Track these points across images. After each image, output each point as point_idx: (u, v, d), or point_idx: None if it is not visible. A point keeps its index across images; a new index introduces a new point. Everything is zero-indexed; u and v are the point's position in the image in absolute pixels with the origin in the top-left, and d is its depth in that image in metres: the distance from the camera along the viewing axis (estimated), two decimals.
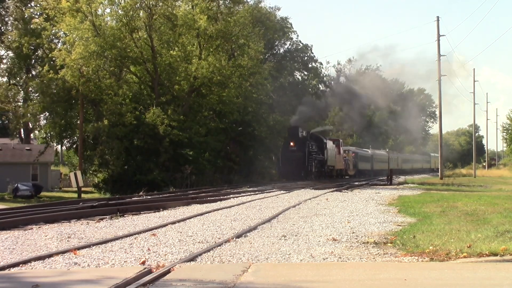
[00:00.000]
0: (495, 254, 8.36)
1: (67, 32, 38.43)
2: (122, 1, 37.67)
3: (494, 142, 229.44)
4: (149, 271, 7.49)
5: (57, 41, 45.16)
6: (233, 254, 8.95)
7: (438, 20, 51.52)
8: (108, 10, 39.55)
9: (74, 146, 42.38)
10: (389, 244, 9.90)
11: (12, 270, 8.08)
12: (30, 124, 50.04)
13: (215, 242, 10.23)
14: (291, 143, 45.78)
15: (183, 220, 14.33)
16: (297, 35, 61.05)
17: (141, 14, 38.65)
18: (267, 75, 45.81)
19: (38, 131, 50.97)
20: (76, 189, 36.62)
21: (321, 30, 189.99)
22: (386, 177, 48.47)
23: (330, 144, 52.33)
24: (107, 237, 11.34)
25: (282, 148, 46.67)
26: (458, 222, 12.59)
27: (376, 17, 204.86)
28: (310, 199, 21.45)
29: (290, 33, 60.15)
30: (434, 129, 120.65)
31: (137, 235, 11.41)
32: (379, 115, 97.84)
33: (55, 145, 47.51)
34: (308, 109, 53.17)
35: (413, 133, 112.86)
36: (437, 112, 56.34)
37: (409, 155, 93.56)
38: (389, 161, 76.31)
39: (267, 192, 26.87)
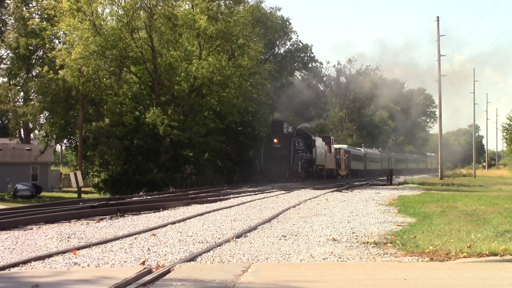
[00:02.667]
0: (495, 254, 8.36)
1: (67, 32, 38.46)
2: (122, 1, 37.69)
3: (494, 142, 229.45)
4: (149, 271, 7.49)
5: (57, 41, 45.23)
6: (233, 254, 8.95)
7: (438, 20, 51.58)
8: (108, 10, 39.63)
9: (74, 146, 42.40)
10: (389, 244, 9.90)
11: (12, 270, 8.07)
12: (30, 124, 50.11)
13: (215, 242, 10.23)
14: (275, 140, 41.35)
15: (183, 220, 14.32)
16: (297, 35, 61.15)
17: (141, 14, 38.67)
18: (267, 75, 45.80)
19: (38, 131, 51.02)
20: (76, 189, 36.63)
21: (321, 29, 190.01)
22: (386, 177, 48.31)
23: (319, 142, 48.31)
24: (107, 237, 11.33)
25: (264, 146, 42.08)
26: (458, 222, 12.59)
27: (376, 16, 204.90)
28: (310, 199, 21.45)
29: (290, 33, 60.23)
30: (434, 129, 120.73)
31: (137, 235, 11.40)
32: (379, 115, 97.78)
33: (54, 144, 47.51)
34: (297, 102, 49.60)
35: (413, 133, 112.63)
36: (437, 112, 56.40)
37: (404, 155, 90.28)
38: (381, 160, 73.49)
39: (267, 192, 26.88)
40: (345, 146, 63.22)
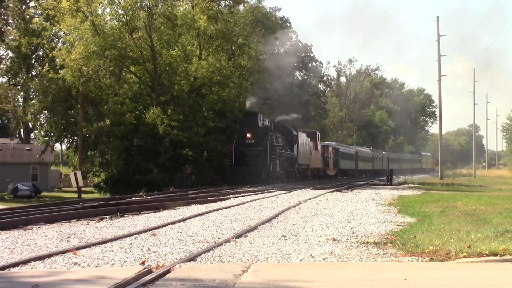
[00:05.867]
0: (495, 254, 8.36)
1: (67, 32, 38.50)
2: (122, 1, 37.72)
3: (494, 142, 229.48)
4: (149, 271, 7.48)
5: (57, 40, 45.30)
6: (233, 254, 8.95)
7: (438, 20, 51.65)
8: (108, 10, 39.67)
9: (74, 146, 42.44)
10: (389, 244, 9.90)
11: (12, 270, 8.07)
12: (30, 124, 50.17)
13: (215, 242, 10.23)
14: (248, 135, 35.73)
15: (183, 220, 14.32)
16: (297, 35, 61.15)
17: (141, 14, 38.70)
18: (267, 75, 45.75)
19: (39, 131, 51.09)
20: (76, 189, 36.66)
21: (322, 29, 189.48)
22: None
23: (302, 138, 42.58)
24: (107, 237, 11.33)
25: (236, 141, 36.34)
26: (458, 222, 12.59)
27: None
28: (310, 199, 21.44)
29: (290, 33, 60.27)
30: (434, 128, 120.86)
31: (137, 235, 11.40)
32: (379, 115, 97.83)
33: (55, 144, 47.60)
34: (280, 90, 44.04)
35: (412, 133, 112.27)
36: (437, 112, 56.45)
37: (397, 154, 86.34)
38: (373, 160, 69.96)
39: (267, 192, 26.85)
40: (333, 143, 58.18)
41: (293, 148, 40.27)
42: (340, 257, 8.66)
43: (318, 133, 49.29)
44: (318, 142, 47.65)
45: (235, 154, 35.91)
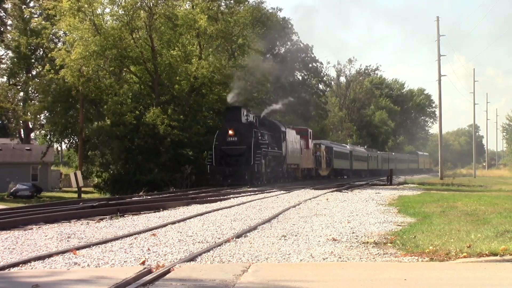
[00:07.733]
0: (495, 254, 8.36)
1: (67, 32, 38.52)
2: (123, 1, 37.74)
3: (494, 142, 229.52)
4: (149, 271, 7.48)
5: (57, 40, 45.32)
6: (233, 254, 8.95)
7: (438, 20, 51.67)
8: (108, 10, 39.71)
9: (74, 146, 42.47)
10: (389, 244, 9.90)
11: (12, 270, 8.07)
12: (30, 124, 50.21)
13: (215, 242, 10.23)
14: (230, 131, 32.37)
15: (183, 220, 14.31)
16: (298, 36, 61.14)
17: (141, 14, 38.71)
18: (267, 74, 45.75)
19: (39, 131, 51.14)
20: (76, 189, 36.68)
21: (322, 30, 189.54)
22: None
23: (292, 135, 39.18)
24: (107, 237, 11.32)
25: (217, 139, 32.94)
26: (458, 222, 12.59)
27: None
28: (310, 199, 21.44)
29: (290, 33, 60.30)
30: (433, 128, 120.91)
31: (137, 235, 11.40)
32: (379, 115, 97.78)
33: (56, 145, 47.68)
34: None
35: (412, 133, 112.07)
36: (437, 112, 56.51)
37: (392, 154, 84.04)
38: (368, 160, 67.30)
39: (267, 192, 26.84)
40: (326, 142, 54.21)
41: (281, 146, 36.77)
42: (340, 257, 8.66)
43: (310, 130, 45.81)
44: (310, 140, 44.35)
45: (215, 153, 32.65)
